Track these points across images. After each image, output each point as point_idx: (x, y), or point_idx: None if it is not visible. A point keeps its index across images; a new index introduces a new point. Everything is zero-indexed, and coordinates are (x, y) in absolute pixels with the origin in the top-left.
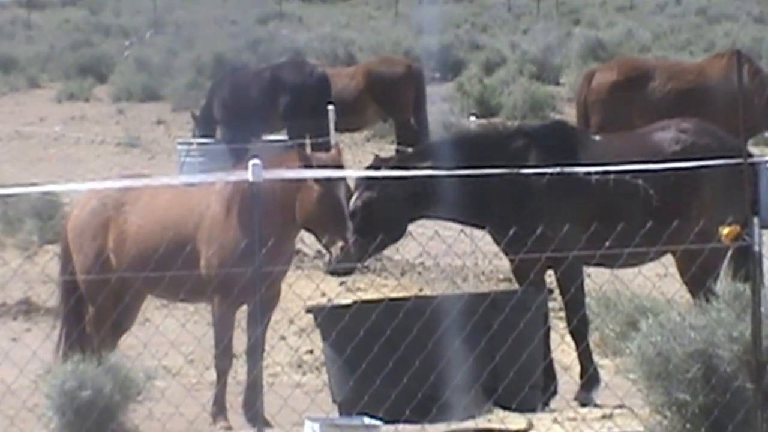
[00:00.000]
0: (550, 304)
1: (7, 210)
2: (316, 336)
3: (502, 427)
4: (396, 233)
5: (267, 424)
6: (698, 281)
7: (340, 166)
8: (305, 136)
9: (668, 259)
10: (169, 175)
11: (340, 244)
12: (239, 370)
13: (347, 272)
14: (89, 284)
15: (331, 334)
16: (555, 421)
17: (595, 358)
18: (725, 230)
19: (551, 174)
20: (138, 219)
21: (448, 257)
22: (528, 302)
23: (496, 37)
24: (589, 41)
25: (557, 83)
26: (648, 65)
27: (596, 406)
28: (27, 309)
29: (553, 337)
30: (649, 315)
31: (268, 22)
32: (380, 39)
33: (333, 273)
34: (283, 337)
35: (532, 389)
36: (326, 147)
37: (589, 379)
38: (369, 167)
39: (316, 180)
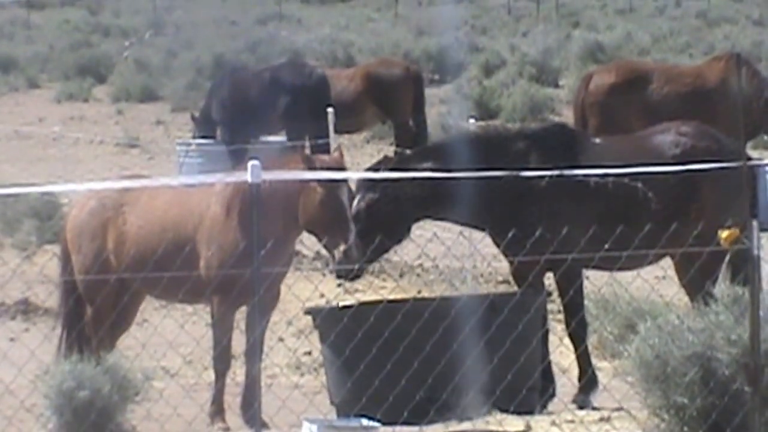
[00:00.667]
0: (549, 307)
1: (5, 210)
2: (315, 337)
3: (500, 429)
4: (399, 235)
5: (265, 425)
6: (697, 284)
7: (343, 169)
8: (304, 138)
9: (667, 262)
10: (168, 176)
11: (342, 246)
12: (237, 371)
13: (356, 276)
14: (88, 285)
15: (330, 336)
16: (553, 423)
17: (594, 360)
18: (724, 233)
19: (551, 176)
20: (137, 220)
21: (447, 259)
22: (527, 304)
23: (495, 39)
24: (588, 44)
25: (556, 86)
26: (646, 68)
27: (594, 408)
28: (25, 309)
29: (552, 339)
30: (648, 318)
31: (268, 24)
32: (380, 41)
33: (341, 277)
34: (281, 339)
35: (530, 391)
36: (325, 148)
37: (588, 381)
38: (372, 168)
39: (319, 182)
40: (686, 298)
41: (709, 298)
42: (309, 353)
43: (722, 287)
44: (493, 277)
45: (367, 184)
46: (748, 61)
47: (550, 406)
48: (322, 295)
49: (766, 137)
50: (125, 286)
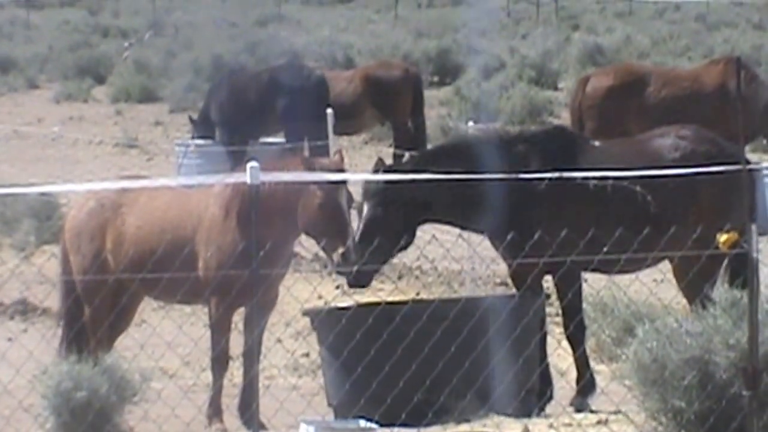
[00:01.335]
0: (547, 309)
1: (4, 210)
2: (313, 339)
3: (498, 431)
4: (407, 239)
5: (263, 426)
6: (695, 288)
7: (343, 172)
8: (303, 139)
9: (665, 266)
10: (167, 177)
11: (340, 249)
12: (235, 373)
13: (365, 284)
14: (86, 285)
15: (328, 337)
16: (550, 426)
17: (592, 363)
18: (723, 237)
19: (550, 179)
20: (136, 220)
21: (446, 261)
22: (525, 307)
23: (495, 42)
24: (587, 47)
25: (556, 88)
26: (643, 71)
27: (592, 411)
28: (24, 309)
29: (550, 342)
30: (646, 321)
31: (267, 25)
32: (379, 42)
33: (352, 285)
34: (279, 340)
35: (528, 394)
36: (325, 150)
37: (585, 384)
38: (373, 172)
39: (318, 185)
40: (684, 302)
41: (707, 301)
42: (307, 355)
43: (721, 291)
44: (491, 280)
45: (375, 190)
46: (746, 64)
47: (548, 409)
48: (321, 297)
49: (765, 141)
50: (123, 286)
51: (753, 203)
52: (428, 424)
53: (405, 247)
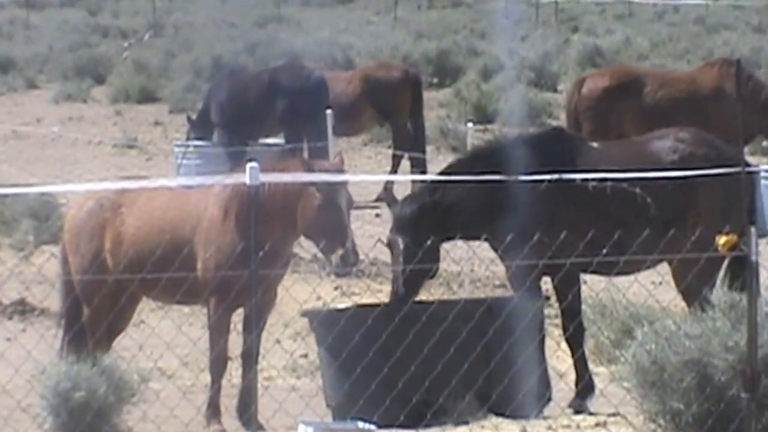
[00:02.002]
0: (546, 311)
1: (3, 210)
2: (311, 340)
3: None
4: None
5: (261, 427)
6: (694, 290)
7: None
8: (302, 140)
9: (664, 268)
10: (166, 177)
11: (339, 251)
12: (234, 373)
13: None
14: (85, 285)
15: (327, 338)
16: (549, 428)
17: (590, 365)
18: (722, 239)
19: (549, 181)
20: (135, 221)
21: (445, 263)
22: (524, 309)
23: (494, 44)
24: (587, 48)
25: (555, 90)
26: (639, 73)
27: (590, 413)
28: (22, 309)
29: (549, 343)
30: (645, 323)
31: (267, 26)
32: (379, 44)
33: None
34: (278, 341)
35: (527, 396)
36: (324, 151)
37: (584, 386)
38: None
39: (318, 187)
40: (683, 304)
41: (706, 304)
42: (306, 356)
43: (719, 293)
44: (490, 281)
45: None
46: (743, 66)
47: (547, 411)
48: (319, 298)
49: (764, 143)
50: (122, 287)
51: (752, 205)
52: (427, 426)
53: (433, 276)
